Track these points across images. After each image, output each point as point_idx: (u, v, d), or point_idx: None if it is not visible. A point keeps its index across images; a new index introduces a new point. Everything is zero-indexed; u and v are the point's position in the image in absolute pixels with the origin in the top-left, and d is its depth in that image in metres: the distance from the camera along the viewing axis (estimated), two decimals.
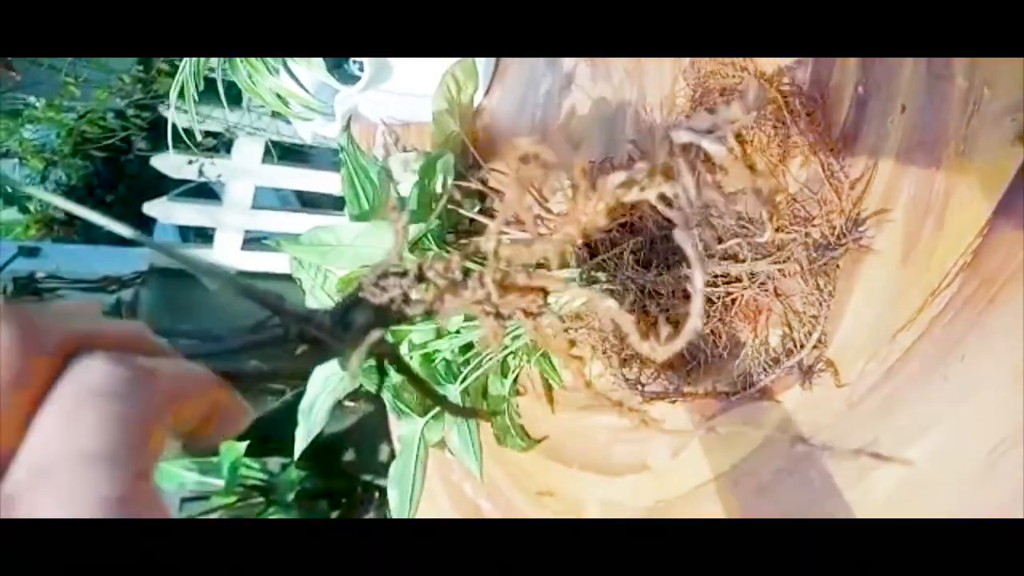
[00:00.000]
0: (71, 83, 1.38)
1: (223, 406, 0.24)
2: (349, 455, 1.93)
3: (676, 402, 0.52)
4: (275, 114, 1.62)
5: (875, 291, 0.43)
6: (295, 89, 0.67)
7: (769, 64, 0.49)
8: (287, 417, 1.88)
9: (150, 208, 1.80)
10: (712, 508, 0.52)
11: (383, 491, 1.63)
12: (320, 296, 0.63)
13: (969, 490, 0.39)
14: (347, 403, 1.81)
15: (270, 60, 0.63)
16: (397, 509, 0.64)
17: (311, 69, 0.68)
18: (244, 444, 1.66)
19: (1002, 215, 0.38)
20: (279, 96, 0.65)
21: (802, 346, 0.46)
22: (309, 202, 2.11)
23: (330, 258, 0.60)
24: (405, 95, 0.69)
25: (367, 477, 1.94)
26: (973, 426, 0.38)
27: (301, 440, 0.65)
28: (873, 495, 0.43)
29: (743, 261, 0.49)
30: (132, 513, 0.19)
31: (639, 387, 0.54)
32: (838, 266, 0.45)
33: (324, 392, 0.64)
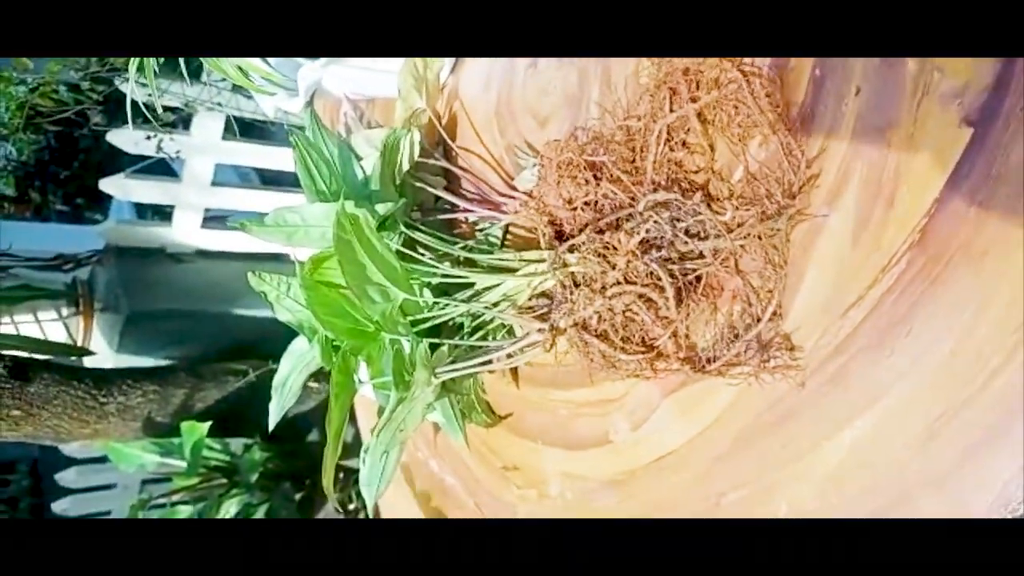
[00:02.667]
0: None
1: None
2: (312, 435, 1.93)
3: (649, 378, 0.53)
4: (236, 88, 1.60)
5: (828, 269, 0.45)
6: (258, 62, 0.66)
7: None
8: (249, 398, 1.86)
9: (106, 185, 1.77)
10: (672, 479, 0.53)
11: (347, 471, 1.64)
12: (288, 304, 0.63)
13: (912, 457, 0.40)
14: (311, 384, 1.80)
15: None
16: (367, 487, 0.65)
17: None
18: (206, 425, 1.65)
19: (949, 195, 0.39)
20: (241, 69, 0.64)
21: (759, 320, 0.48)
22: (270, 179, 2.08)
23: (296, 239, 0.60)
24: (370, 70, 0.69)
25: None
26: (917, 397, 0.40)
27: (274, 414, 0.65)
28: (824, 463, 0.44)
29: (706, 239, 0.50)
30: None
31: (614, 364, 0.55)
32: (788, 239, 0.47)
33: (297, 368, 0.64)
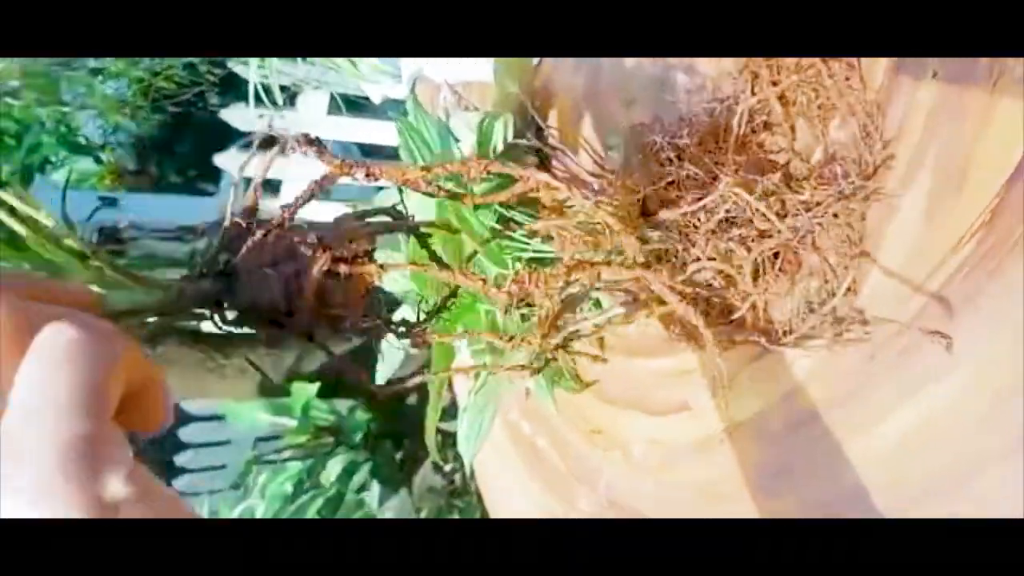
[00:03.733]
0: None
1: (156, 382, 0.30)
2: (412, 399, 2.02)
3: (727, 348, 0.56)
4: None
5: (901, 247, 0.47)
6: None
7: None
8: (357, 360, 1.96)
9: (221, 160, 1.88)
10: (748, 447, 0.56)
11: (444, 434, 1.72)
12: (394, 275, 0.68)
13: (978, 429, 0.42)
14: (412, 351, 1.89)
15: None
16: (466, 444, 0.71)
17: None
18: (315, 386, 1.76)
19: (1019, 178, 0.41)
20: (351, 61, 0.70)
21: (834, 294, 0.50)
22: (369, 153, 2.16)
23: None
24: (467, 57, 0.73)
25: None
26: (984, 372, 0.42)
27: (381, 377, 0.71)
28: (893, 434, 0.47)
29: (784, 217, 0.52)
30: (99, 451, 0.24)
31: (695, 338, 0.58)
32: (863, 218, 0.49)
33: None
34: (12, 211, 0.34)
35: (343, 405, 1.98)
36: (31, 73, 2.12)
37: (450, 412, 0.84)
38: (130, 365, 0.27)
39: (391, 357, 0.70)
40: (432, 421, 0.65)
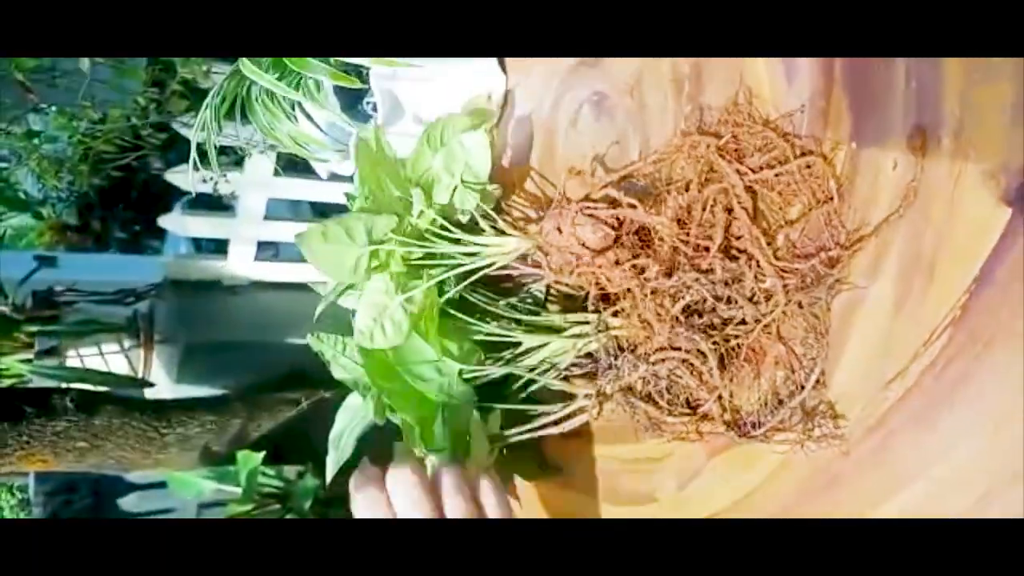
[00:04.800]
0: (87, 105, 1.41)
1: None
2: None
3: (694, 440, 0.54)
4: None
5: (869, 340, 0.46)
6: (313, 132, 0.69)
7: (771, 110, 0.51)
8: (302, 426, 1.90)
9: (165, 221, 1.83)
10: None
11: None
12: (343, 363, 0.66)
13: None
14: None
15: (286, 105, 0.66)
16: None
17: (326, 109, 0.70)
18: (260, 455, 1.69)
19: (989, 272, 0.40)
20: (296, 141, 0.68)
21: (802, 387, 0.48)
22: (323, 212, 2.14)
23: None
24: (417, 136, 0.71)
25: None
26: (961, 474, 0.41)
27: (331, 468, 0.67)
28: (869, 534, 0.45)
29: (748, 304, 0.51)
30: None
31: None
32: (828, 308, 0.48)
33: (352, 424, 0.67)
34: None
35: (290, 471, 1.91)
36: None
37: None
38: None
39: (341, 448, 0.67)
40: None
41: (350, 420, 0.67)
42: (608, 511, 0.63)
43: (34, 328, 1.75)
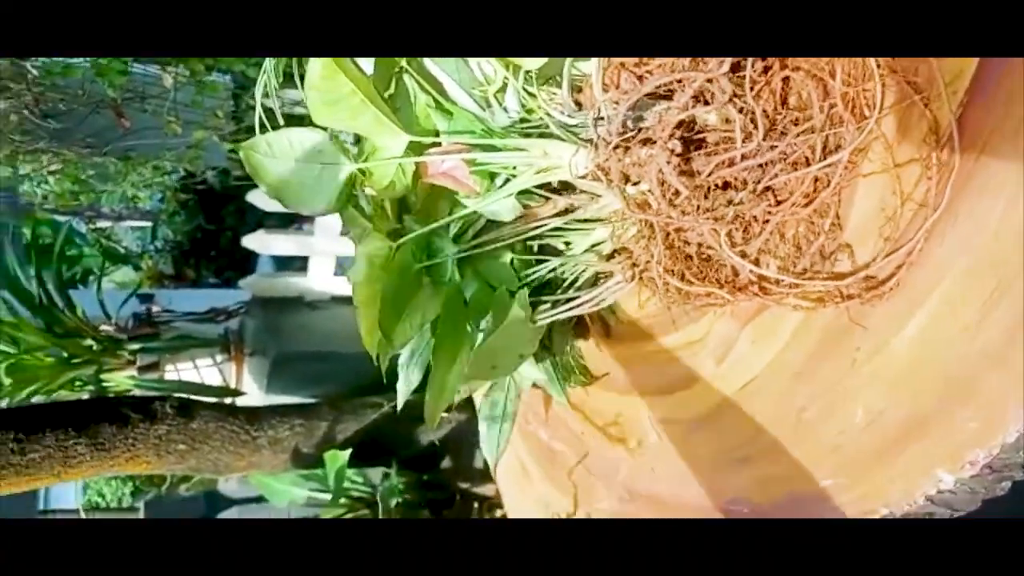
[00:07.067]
0: (172, 121, 1.53)
1: None
2: (445, 463, 2.01)
3: (722, 305, 0.57)
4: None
5: (877, 179, 0.48)
6: None
7: None
8: (385, 428, 1.95)
9: (249, 241, 1.95)
10: (756, 404, 0.56)
11: (480, 499, 1.71)
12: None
13: (972, 338, 0.42)
14: (444, 413, 1.89)
15: None
16: (488, 446, 0.71)
17: None
18: (347, 452, 1.75)
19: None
20: None
21: (819, 234, 0.51)
22: None
23: None
24: None
25: (464, 485, 2.02)
26: (970, 280, 0.43)
27: (402, 394, 0.72)
28: (893, 361, 0.47)
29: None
30: None
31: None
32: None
33: (420, 347, 0.71)
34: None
35: (376, 473, 1.97)
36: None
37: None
38: None
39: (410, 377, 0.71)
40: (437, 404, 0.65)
41: (417, 343, 0.71)
42: (658, 402, 0.65)
43: (136, 346, 1.88)
